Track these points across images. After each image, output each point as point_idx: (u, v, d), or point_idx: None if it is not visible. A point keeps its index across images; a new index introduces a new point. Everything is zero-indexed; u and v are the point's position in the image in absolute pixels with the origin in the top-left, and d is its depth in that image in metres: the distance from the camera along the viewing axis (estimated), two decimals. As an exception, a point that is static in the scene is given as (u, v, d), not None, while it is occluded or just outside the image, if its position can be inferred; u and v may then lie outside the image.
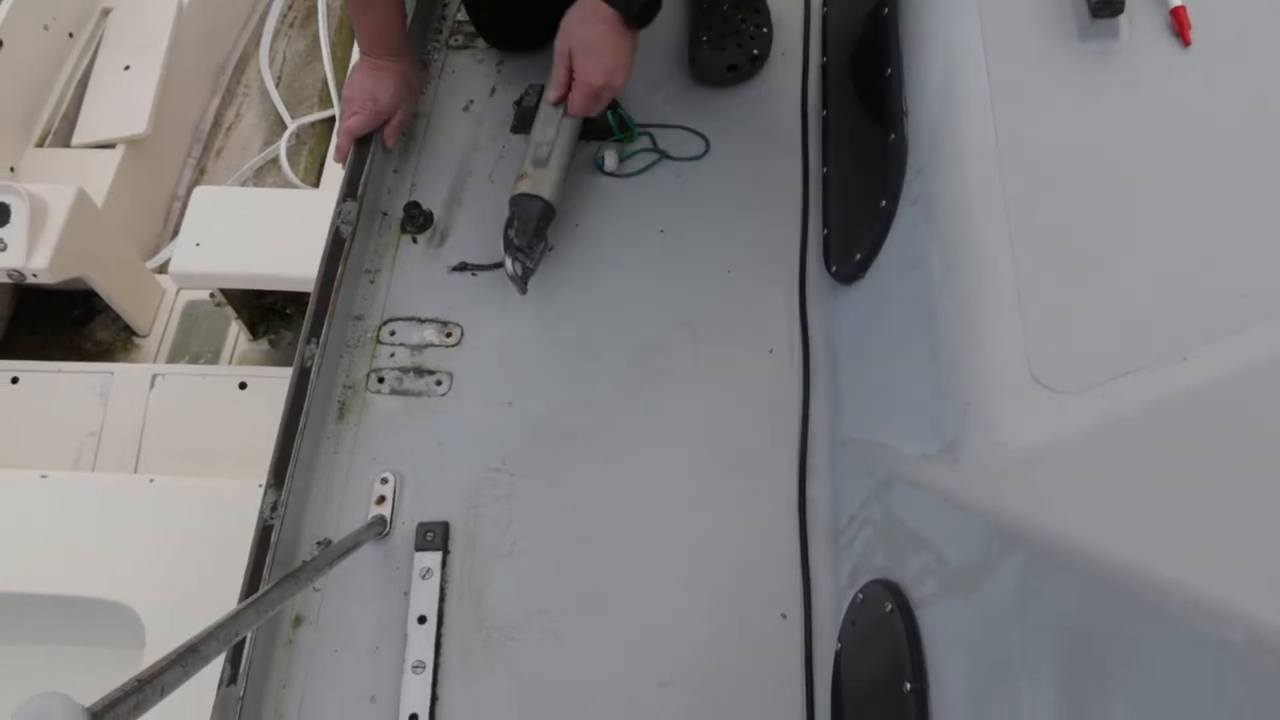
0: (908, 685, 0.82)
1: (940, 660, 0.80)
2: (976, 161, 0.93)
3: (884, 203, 1.07)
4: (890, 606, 0.87)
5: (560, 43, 1.16)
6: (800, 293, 1.22)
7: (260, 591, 0.78)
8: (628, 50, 1.15)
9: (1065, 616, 0.66)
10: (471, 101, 1.41)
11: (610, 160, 1.33)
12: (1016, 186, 0.90)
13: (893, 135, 1.08)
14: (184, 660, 0.59)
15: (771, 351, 1.19)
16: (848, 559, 1.03)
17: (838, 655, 0.99)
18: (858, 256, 1.13)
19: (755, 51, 1.35)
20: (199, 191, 2.04)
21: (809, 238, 1.27)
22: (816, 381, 1.17)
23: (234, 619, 0.68)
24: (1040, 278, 0.85)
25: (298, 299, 2.20)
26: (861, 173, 1.20)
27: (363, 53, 1.28)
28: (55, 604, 1.55)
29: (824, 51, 1.39)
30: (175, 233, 2.26)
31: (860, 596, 0.95)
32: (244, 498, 1.46)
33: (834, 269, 1.21)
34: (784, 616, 1.04)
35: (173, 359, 2.22)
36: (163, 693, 0.55)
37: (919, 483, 0.90)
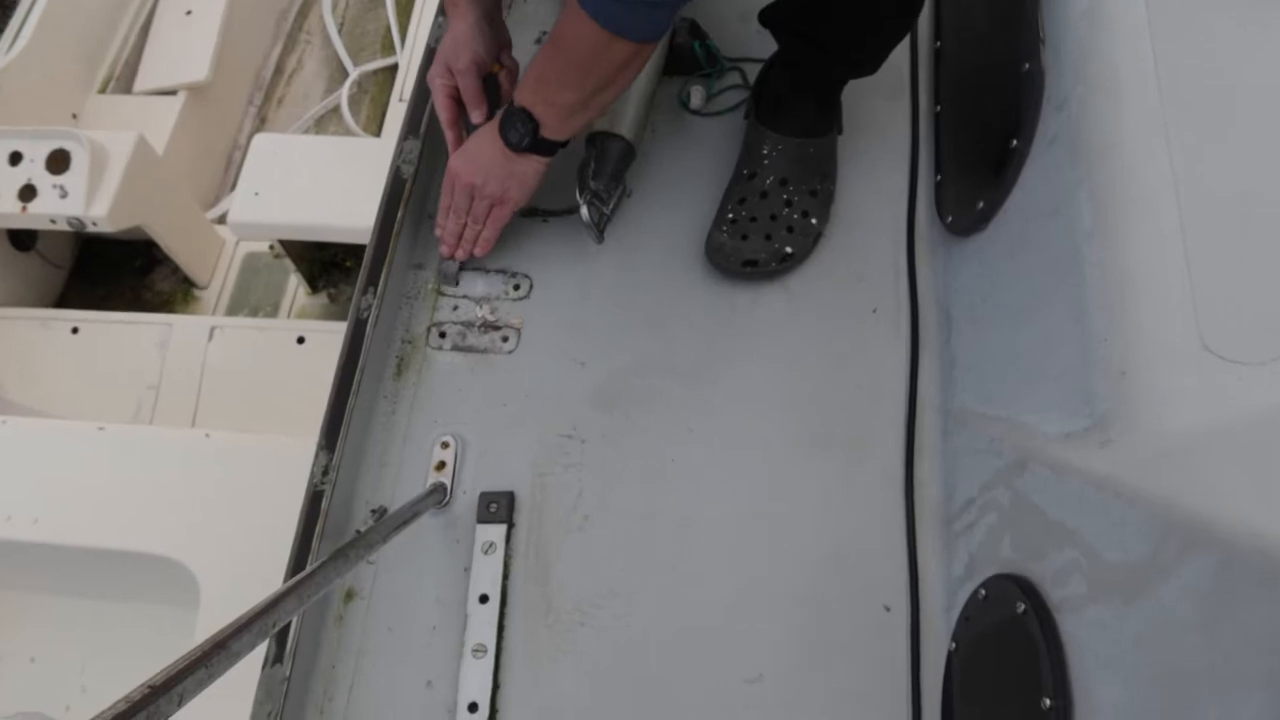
0: (1047, 701, 0.70)
1: (1090, 675, 0.68)
2: (1133, 93, 0.81)
3: (1014, 143, 0.95)
4: (1023, 607, 0.75)
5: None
6: (908, 246, 1.11)
7: (304, 572, 0.68)
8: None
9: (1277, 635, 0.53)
10: (544, 33, 1.29)
11: (696, 97, 1.22)
12: (1181, 121, 0.77)
13: (1026, 65, 0.95)
14: (209, 660, 0.48)
15: (875, 311, 1.08)
16: (964, 548, 0.91)
17: (951, 656, 0.88)
18: (979, 205, 1.01)
19: (788, 250, 1.08)
20: (259, 139, 1.97)
21: (919, 185, 1.14)
22: (926, 346, 1.05)
23: (272, 607, 0.58)
24: (1212, 225, 0.72)
25: (358, 252, 2.13)
26: (983, 110, 1.08)
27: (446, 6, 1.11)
28: (110, 558, 1.52)
29: (936, -25, 1.24)
30: (235, 183, 2.20)
31: (982, 592, 0.83)
32: (301, 456, 1.39)
33: (949, 219, 1.08)
34: (887, 609, 0.93)
35: (231, 311, 2.18)
36: (180, 702, 0.45)
37: (1062, 466, 0.77)
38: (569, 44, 0.91)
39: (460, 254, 1.12)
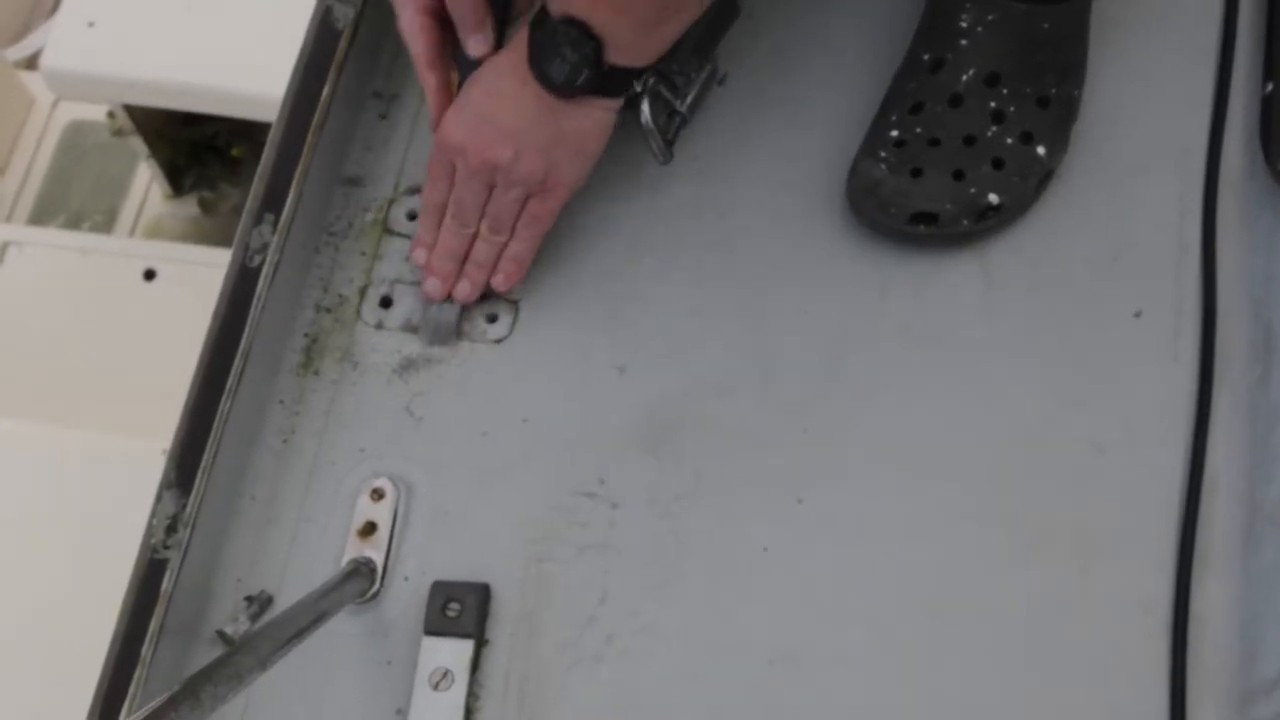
0: None
1: None
2: None
3: None
4: None
5: None
6: (1205, 207, 1.09)
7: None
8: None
9: None
10: None
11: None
12: None
13: None
14: None
15: (1139, 316, 1.06)
16: (1274, 752, 0.89)
17: None
18: (1344, 143, 1.00)
19: (993, 198, 1.08)
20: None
21: (1230, 100, 1.13)
22: (1225, 382, 1.03)
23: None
24: None
25: (253, 134, 2.17)
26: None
27: None
28: None
29: None
30: (57, 5, 2.24)
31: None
32: (141, 468, 1.44)
33: (1282, 164, 1.07)
34: None
35: (38, 218, 2.23)
36: None
37: None
38: None
39: (463, 293, 1.10)
